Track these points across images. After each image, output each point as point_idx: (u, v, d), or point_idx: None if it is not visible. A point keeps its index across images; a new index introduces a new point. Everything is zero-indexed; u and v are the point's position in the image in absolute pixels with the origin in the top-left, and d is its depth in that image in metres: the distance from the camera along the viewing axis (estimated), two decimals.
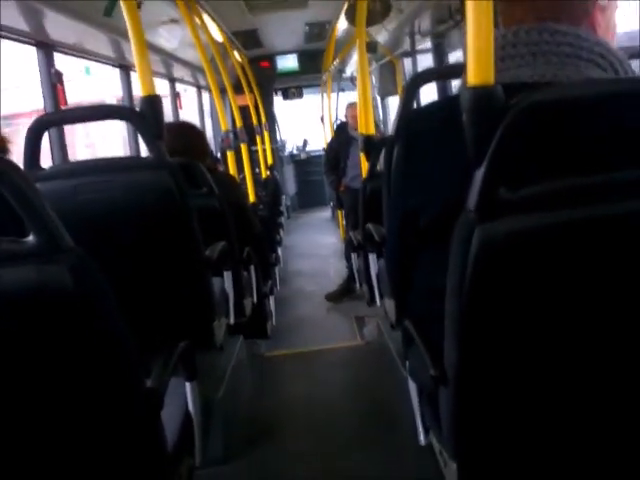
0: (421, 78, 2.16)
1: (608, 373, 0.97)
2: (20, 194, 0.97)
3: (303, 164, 8.91)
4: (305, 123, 9.50)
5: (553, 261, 0.89)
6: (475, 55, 0.84)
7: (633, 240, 0.89)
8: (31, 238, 0.98)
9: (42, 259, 0.98)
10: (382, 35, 4.57)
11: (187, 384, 1.50)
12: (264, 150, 6.33)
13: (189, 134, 2.72)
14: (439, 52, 4.15)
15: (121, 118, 1.95)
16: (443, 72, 2.45)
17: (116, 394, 1.09)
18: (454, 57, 4.19)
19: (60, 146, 2.91)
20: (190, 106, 6.31)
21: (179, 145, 2.47)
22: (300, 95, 8.42)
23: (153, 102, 1.78)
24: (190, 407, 1.51)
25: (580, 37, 0.95)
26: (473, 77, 0.84)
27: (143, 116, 1.76)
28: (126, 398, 1.11)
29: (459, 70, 2.20)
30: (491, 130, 0.84)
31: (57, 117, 1.98)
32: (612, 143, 0.89)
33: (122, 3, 1.71)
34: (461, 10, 3.24)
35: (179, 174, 1.84)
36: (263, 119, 6.64)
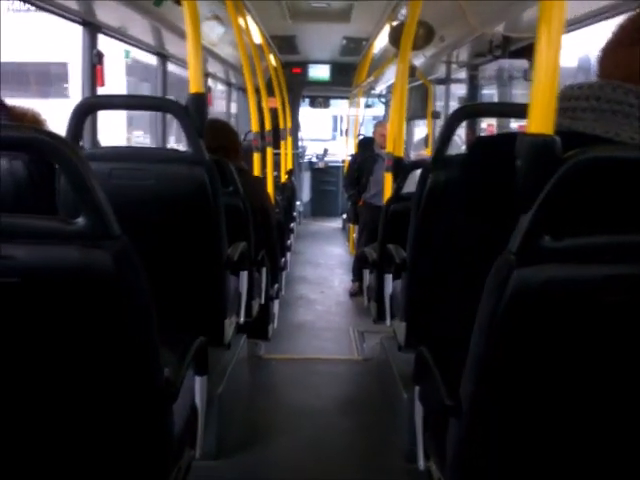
0: (465, 112, 2.08)
1: (625, 427, 1.00)
2: (77, 176, 0.99)
3: (320, 172, 8.93)
4: (326, 131, 9.56)
5: (587, 313, 0.91)
6: (538, 104, 0.86)
7: None
8: (81, 220, 1.00)
9: (88, 242, 1.00)
10: (418, 59, 4.62)
11: (197, 379, 1.52)
12: (286, 154, 6.36)
13: (225, 133, 2.76)
14: (473, 83, 4.18)
15: (168, 111, 1.97)
16: (488, 109, 2.34)
17: (137, 380, 1.12)
18: (486, 90, 4.24)
19: (92, 129, 2.95)
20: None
21: (214, 142, 2.50)
22: (327, 105, 8.50)
23: (200, 100, 1.81)
24: (197, 401, 1.53)
25: None
26: (533, 125, 0.86)
27: (188, 112, 1.79)
28: (146, 385, 1.14)
29: (508, 111, 2.16)
30: (544, 178, 0.86)
31: (104, 101, 2.00)
32: None
33: (184, 2, 1.73)
34: (502, 46, 3.28)
35: (215, 173, 1.86)
36: (288, 123, 6.67)
